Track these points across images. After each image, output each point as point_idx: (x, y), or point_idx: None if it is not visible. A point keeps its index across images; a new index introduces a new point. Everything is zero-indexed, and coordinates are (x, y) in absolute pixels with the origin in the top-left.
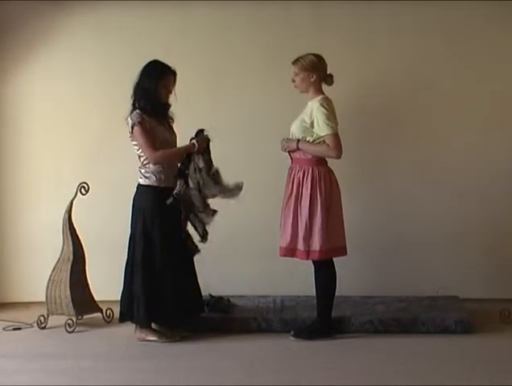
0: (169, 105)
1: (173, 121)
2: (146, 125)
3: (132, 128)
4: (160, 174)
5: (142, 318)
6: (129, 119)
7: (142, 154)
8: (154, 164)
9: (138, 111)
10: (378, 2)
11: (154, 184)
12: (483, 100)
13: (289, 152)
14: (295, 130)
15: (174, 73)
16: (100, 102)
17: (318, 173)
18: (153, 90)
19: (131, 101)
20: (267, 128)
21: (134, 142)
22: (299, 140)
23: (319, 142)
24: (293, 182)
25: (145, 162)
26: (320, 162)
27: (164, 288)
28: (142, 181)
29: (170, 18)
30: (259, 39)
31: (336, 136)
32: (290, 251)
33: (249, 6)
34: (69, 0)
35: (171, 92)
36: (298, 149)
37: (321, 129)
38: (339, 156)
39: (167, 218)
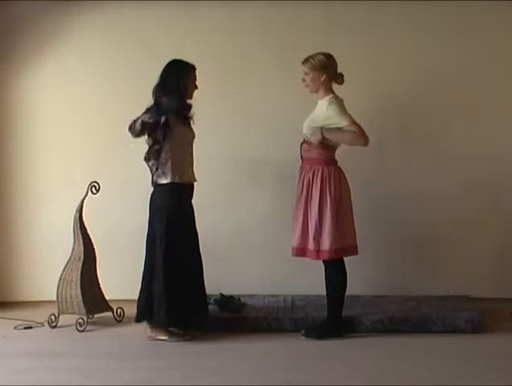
0: (191, 105)
1: (193, 122)
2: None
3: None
4: (178, 170)
5: (163, 319)
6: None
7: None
8: None
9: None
10: (391, 2)
11: (176, 181)
12: (496, 97)
13: (300, 153)
14: (306, 131)
15: (195, 68)
16: (111, 102)
17: (328, 172)
18: (184, 88)
19: (157, 102)
20: (279, 128)
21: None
22: (321, 128)
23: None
24: (303, 183)
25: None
26: (330, 161)
27: (184, 288)
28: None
29: (181, 18)
30: (271, 39)
31: (355, 124)
32: (301, 250)
33: (261, 6)
34: (80, 0)
35: (197, 88)
36: (324, 138)
37: (340, 120)
38: (367, 142)
39: (187, 217)
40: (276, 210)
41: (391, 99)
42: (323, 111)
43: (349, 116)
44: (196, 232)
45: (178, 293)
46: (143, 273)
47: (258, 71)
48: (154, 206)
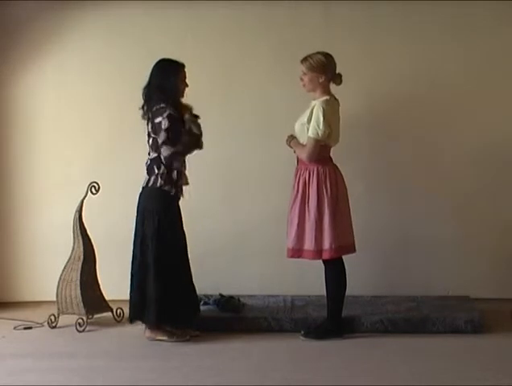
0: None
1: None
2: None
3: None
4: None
5: (153, 319)
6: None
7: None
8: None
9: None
10: (391, 2)
11: (173, 191)
12: (497, 97)
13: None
14: (297, 132)
15: (184, 66)
16: (111, 102)
17: (323, 172)
18: (175, 87)
19: (153, 102)
20: (279, 127)
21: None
22: (293, 138)
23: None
24: (299, 183)
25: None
26: (325, 160)
27: (177, 288)
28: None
29: (181, 18)
30: (271, 39)
31: (315, 141)
32: (297, 251)
33: (261, 6)
34: (80, 0)
35: (187, 86)
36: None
37: (310, 129)
38: (308, 160)
39: (176, 218)
40: (276, 211)
41: (390, 98)
42: (311, 111)
43: (322, 130)
44: (184, 232)
45: (170, 293)
46: (133, 274)
47: (257, 71)
48: (143, 207)
